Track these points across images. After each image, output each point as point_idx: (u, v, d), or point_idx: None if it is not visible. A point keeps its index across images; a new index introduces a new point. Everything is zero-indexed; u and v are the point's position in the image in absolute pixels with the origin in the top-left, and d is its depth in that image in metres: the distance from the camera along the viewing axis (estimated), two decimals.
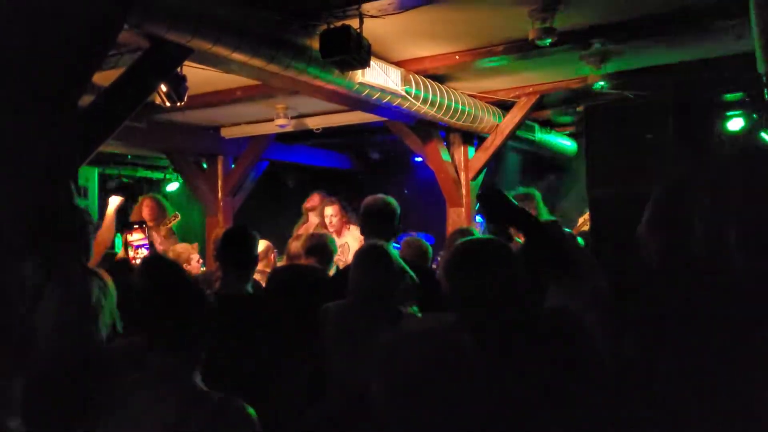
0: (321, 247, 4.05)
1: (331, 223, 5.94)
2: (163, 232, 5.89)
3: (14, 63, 2.09)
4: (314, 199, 6.56)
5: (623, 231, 3.71)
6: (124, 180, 8.16)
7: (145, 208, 5.88)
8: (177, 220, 6.01)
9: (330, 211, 5.96)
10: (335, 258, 4.82)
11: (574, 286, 2.05)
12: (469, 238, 2.04)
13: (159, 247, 5.53)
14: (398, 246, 6.45)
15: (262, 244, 5.05)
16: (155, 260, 1.81)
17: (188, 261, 5.28)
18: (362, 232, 3.55)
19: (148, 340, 1.76)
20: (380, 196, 3.59)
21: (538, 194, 5.27)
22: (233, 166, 7.10)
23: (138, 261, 2.38)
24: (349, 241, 5.86)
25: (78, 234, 2.18)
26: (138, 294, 1.83)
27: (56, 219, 1.97)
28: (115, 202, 4.57)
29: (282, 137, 7.11)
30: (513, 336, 1.73)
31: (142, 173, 8.54)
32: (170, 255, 5.25)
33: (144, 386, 1.74)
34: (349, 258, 5.63)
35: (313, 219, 6.49)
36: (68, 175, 2.16)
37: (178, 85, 3.89)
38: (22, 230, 1.81)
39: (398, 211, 3.50)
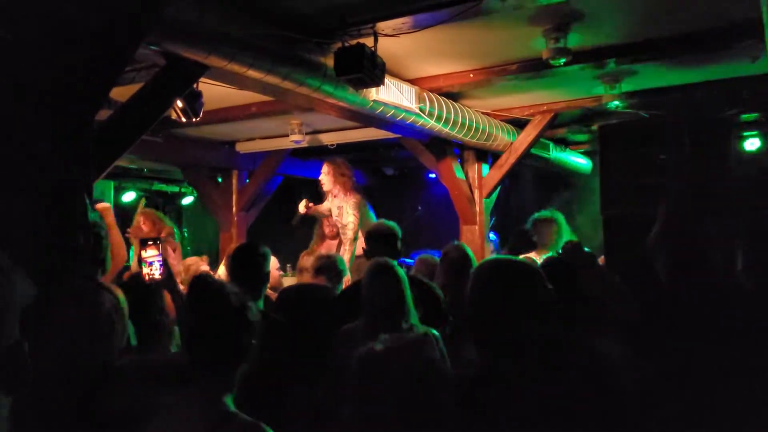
0: (329, 267, 4.07)
1: (322, 182, 6.00)
2: (173, 247, 5.93)
3: (32, 79, 2.13)
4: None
5: (637, 252, 3.69)
6: (139, 193, 8.22)
7: (144, 224, 5.91)
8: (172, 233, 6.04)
9: (325, 168, 6.04)
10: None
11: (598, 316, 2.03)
12: (498, 257, 2.04)
13: (172, 262, 5.55)
14: (412, 262, 6.44)
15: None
16: (201, 281, 1.81)
17: (197, 273, 5.29)
18: (366, 256, 3.79)
19: (189, 359, 1.77)
20: (382, 221, 3.93)
21: (560, 216, 5.25)
22: (247, 180, 7.14)
23: (152, 277, 2.39)
24: (346, 207, 5.90)
25: (92, 249, 2.20)
26: (182, 314, 1.83)
27: (68, 234, 2.00)
28: (105, 208, 4.48)
29: (296, 152, 7.15)
30: (535, 359, 1.71)
31: (158, 187, 8.61)
32: (180, 268, 5.28)
33: (175, 404, 1.74)
34: (345, 221, 5.76)
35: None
36: (83, 190, 2.19)
37: (194, 101, 3.93)
38: (33, 246, 1.83)
39: (399, 234, 3.78)
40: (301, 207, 6.04)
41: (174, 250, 5.83)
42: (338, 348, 2.82)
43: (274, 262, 5.06)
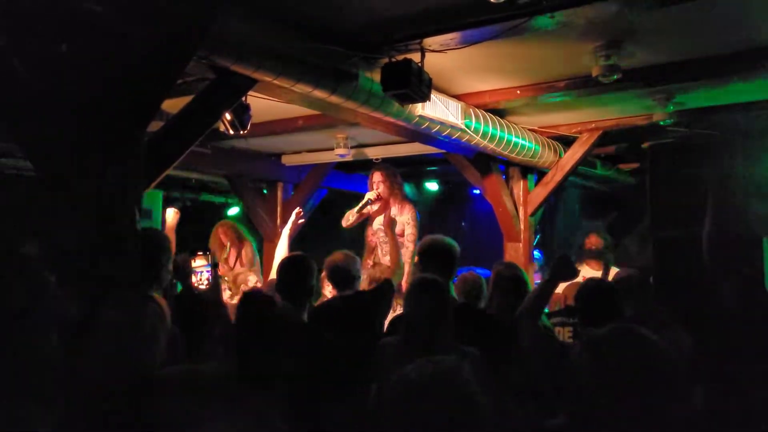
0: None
1: (377, 188, 5.63)
2: (246, 257, 6.09)
3: (87, 92, 2.19)
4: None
5: (690, 273, 3.59)
6: (187, 203, 8.38)
7: (221, 235, 6.09)
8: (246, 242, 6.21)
9: (377, 176, 5.70)
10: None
11: None
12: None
13: (226, 271, 5.67)
14: (454, 279, 6.36)
15: None
16: (253, 298, 1.83)
17: (245, 283, 5.36)
18: (420, 270, 3.68)
19: (239, 374, 1.78)
20: (440, 237, 3.73)
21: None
22: (292, 193, 7.21)
23: (201, 286, 2.43)
24: (406, 218, 5.57)
25: (145, 259, 2.25)
26: (235, 329, 1.84)
27: (118, 244, 2.04)
28: (170, 215, 4.57)
29: (341, 166, 7.19)
30: None
31: (205, 197, 8.76)
32: (230, 277, 5.36)
33: (222, 418, 1.74)
34: (406, 232, 5.48)
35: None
36: (133, 200, 2.23)
37: (242, 113, 3.99)
38: (84, 255, 1.87)
39: (457, 252, 3.67)
40: (372, 195, 5.66)
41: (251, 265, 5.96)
42: (379, 361, 2.80)
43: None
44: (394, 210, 5.63)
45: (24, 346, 1.46)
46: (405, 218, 5.60)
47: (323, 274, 3.97)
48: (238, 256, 6.19)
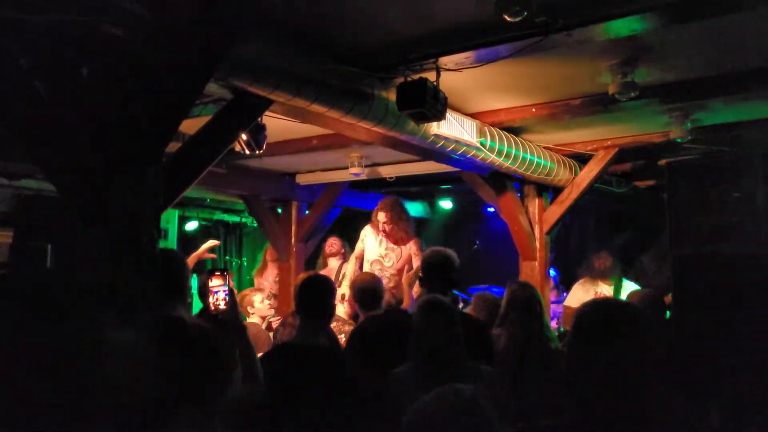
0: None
1: (383, 230, 5.87)
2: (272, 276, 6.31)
3: (107, 114, 2.20)
4: (334, 245, 6.66)
5: (711, 291, 3.53)
6: (202, 222, 8.43)
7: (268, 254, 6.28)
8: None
9: (382, 216, 5.93)
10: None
11: None
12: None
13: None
14: (470, 298, 6.32)
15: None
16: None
17: (251, 304, 5.36)
18: (421, 285, 3.70)
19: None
20: (438, 249, 3.79)
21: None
22: (307, 212, 7.22)
23: (217, 306, 2.41)
24: (411, 250, 5.87)
25: (165, 279, 2.24)
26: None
27: (137, 264, 2.04)
28: (211, 243, 4.85)
29: (355, 184, 7.20)
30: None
31: (219, 216, 8.80)
32: (238, 298, 5.37)
33: None
34: (414, 266, 5.67)
35: (333, 264, 6.66)
36: (152, 220, 2.24)
37: (258, 133, 4.00)
38: (104, 276, 1.87)
39: (455, 263, 3.65)
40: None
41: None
42: (390, 394, 2.74)
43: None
44: (391, 245, 5.94)
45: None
46: (412, 249, 5.86)
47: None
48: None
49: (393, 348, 2.92)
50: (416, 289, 5.29)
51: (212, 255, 5.09)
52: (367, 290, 3.92)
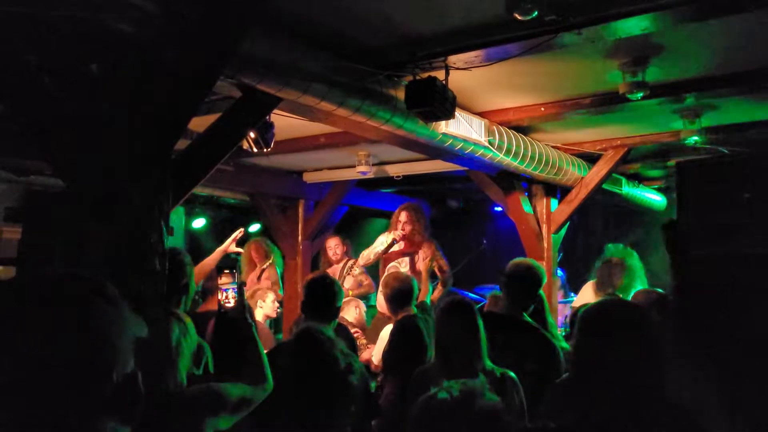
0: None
1: (402, 229, 5.83)
2: (268, 274, 6.22)
3: (117, 111, 2.20)
4: (338, 251, 6.69)
5: (723, 292, 3.51)
6: (209, 219, 8.43)
7: (252, 251, 6.18)
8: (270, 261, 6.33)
9: (404, 217, 5.89)
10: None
11: None
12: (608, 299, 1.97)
13: (257, 286, 5.76)
14: (477, 297, 6.31)
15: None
16: (307, 337, 1.82)
17: (262, 298, 5.36)
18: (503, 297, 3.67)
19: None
20: (525, 261, 3.75)
21: (634, 257, 5.13)
22: (313, 210, 7.22)
23: (227, 304, 2.41)
24: (429, 252, 5.81)
25: (170, 276, 2.24)
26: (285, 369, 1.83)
27: (145, 262, 2.03)
28: (238, 234, 4.89)
29: (362, 183, 7.19)
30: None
31: (226, 214, 8.80)
32: (248, 294, 5.37)
33: None
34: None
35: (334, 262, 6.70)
36: (160, 218, 2.23)
37: (266, 132, 4.00)
38: (111, 273, 1.87)
39: (544, 279, 3.64)
40: (397, 235, 5.91)
41: (273, 284, 6.08)
42: (414, 390, 2.75)
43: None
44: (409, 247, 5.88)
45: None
46: (427, 251, 5.79)
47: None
48: (261, 274, 6.30)
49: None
50: (436, 293, 5.33)
51: (239, 249, 5.06)
52: (403, 291, 3.99)
